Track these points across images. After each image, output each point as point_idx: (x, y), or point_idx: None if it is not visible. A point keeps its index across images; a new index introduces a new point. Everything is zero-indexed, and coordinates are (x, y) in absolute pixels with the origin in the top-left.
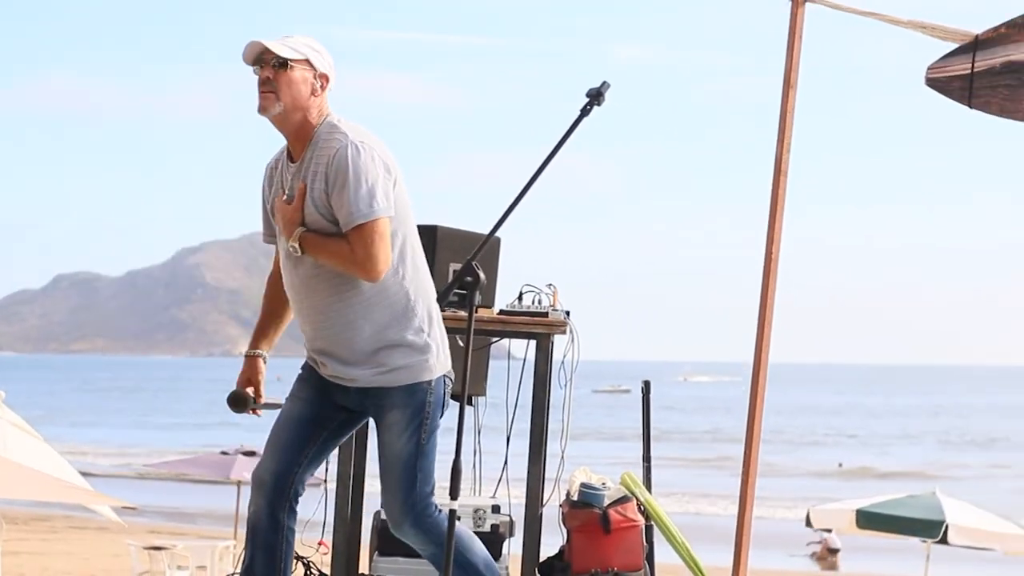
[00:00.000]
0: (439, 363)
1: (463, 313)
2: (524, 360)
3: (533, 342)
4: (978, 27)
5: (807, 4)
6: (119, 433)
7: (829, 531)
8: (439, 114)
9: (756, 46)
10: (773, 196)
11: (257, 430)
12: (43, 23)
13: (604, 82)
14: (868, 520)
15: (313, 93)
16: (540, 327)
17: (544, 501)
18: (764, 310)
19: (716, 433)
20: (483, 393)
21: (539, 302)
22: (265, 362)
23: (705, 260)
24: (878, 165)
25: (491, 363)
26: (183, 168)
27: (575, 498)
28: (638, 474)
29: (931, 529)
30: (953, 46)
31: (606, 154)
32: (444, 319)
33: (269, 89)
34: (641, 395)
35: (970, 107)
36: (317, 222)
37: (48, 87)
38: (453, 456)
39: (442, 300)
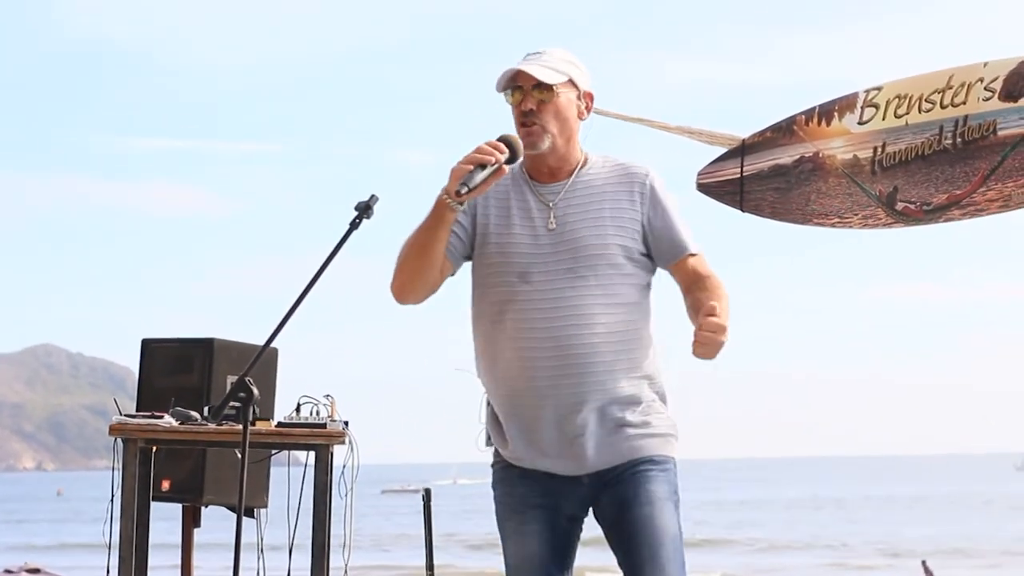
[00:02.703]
0: None
1: (239, 427)
2: (305, 466)
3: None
4: (743, 131)
5: None
6: None
7: None
8: (212, 223)
9: None
10: None
11: (46, 553)
12: None
13: (372, 195)
14: None
15: (579, 115)
16: (319, 439)
17: None
18: None
19: (494, 536)
20: (264, 505)
21: (317, 413)
22: None
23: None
24: None
25: (273, 470)
26: None
27: None
28: None
29: None
30: (721, 150)
31: (385, 258)
32: (221, 433)
33: (532, 121)
34: (422, 503)
35: (742, 211)
36: (611, 248)
37: None
38: (231, 573)
39: (216, 415)
